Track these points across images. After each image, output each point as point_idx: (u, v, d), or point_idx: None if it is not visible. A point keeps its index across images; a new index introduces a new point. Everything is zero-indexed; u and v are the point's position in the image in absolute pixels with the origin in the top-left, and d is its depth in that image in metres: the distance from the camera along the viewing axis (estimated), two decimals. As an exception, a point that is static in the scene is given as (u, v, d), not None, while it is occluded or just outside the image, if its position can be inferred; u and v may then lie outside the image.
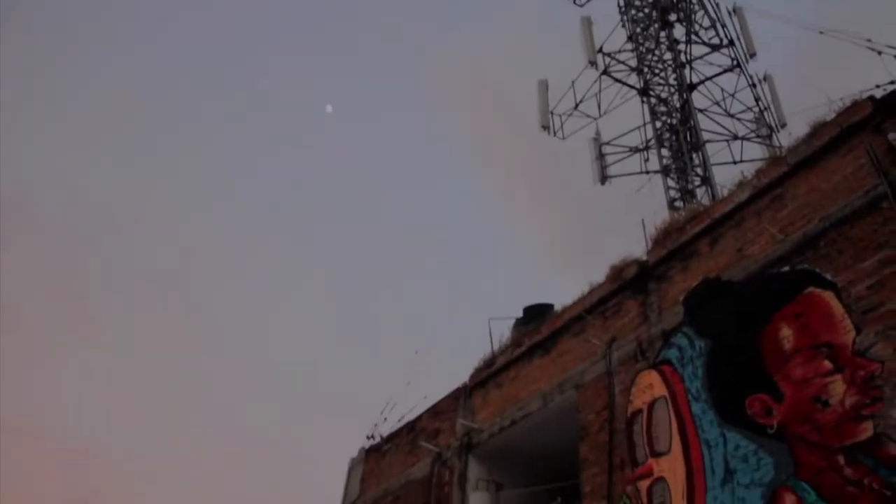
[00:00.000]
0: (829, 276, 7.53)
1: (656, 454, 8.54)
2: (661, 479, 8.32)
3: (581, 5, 21.13)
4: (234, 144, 62.53)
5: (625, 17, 20.43)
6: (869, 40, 12.35)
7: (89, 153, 56.26)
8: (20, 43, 50.63)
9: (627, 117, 19.46)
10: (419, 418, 13.61)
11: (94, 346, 54.23)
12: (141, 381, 56.20)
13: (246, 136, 62.12)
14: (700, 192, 17.45)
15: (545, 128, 19.69)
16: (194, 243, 57.22)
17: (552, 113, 19.85)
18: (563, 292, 17.49)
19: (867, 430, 6.54)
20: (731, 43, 19.22)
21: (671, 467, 8.26)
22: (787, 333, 7.61)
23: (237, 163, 62.59)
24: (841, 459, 6.62)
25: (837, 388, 6.91)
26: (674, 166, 18.16)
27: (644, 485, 8.48)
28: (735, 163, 17.79)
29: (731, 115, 18.82)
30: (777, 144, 17.08)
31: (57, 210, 55.01)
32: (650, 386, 9.05)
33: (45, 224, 52.46)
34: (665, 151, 18.51)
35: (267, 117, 60.42)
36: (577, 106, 19.73)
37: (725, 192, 10.04)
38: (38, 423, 50.38)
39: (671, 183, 17.93)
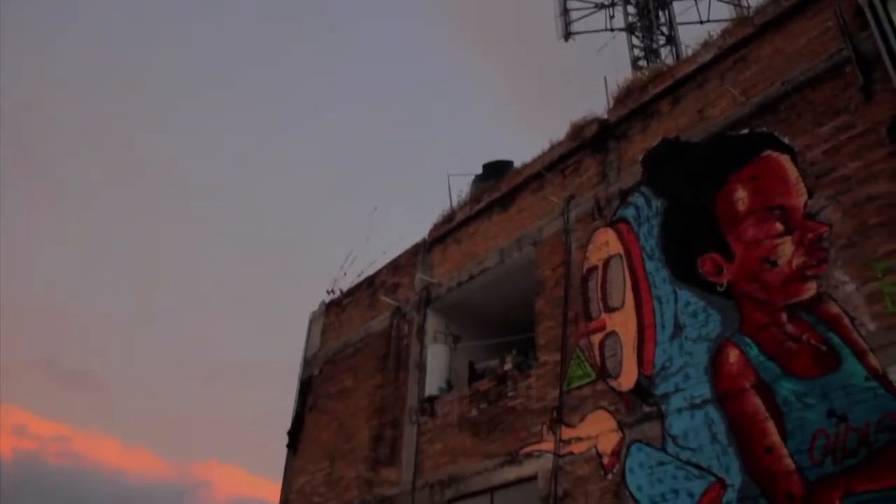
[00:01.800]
0: (786, 140, 7.64)
1: (609, 309, 8.86)
2: (613, 333, 8.67)
3: None
4: None
5: None
6: None
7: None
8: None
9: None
10: (379, 273, 13.81)
11: (65, 217, 53.82)
12: (108, 246, 56.17)
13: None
14: (664, 51, 17.29)
15: (510, -21, 19.03)
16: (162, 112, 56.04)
17: (518, -36, 19.16)
18: (523, 149, 17.52)
19: (811, 290, 6.84)
20: None
21: (623, 322, 8.60)
22: (741, 195, 7.77)
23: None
24: (784, 316, 6.95)
25: (786, 249, 7.16)
26: (639, 24, 17.87)
27: (597, 338, 8.83)
28: (701, 22, 17.57)
29: (701, -29, 18.38)
30: (745, 4, 16.82)
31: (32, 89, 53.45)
32: (606, 243, 9.27)
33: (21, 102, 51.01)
34: (631, 9, 18.16)
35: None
36: (543, -43, 19.04)
37: (690, 52, 9.94)
38: (4, 285, 50.45)
39: (636, 42, 17.71)
